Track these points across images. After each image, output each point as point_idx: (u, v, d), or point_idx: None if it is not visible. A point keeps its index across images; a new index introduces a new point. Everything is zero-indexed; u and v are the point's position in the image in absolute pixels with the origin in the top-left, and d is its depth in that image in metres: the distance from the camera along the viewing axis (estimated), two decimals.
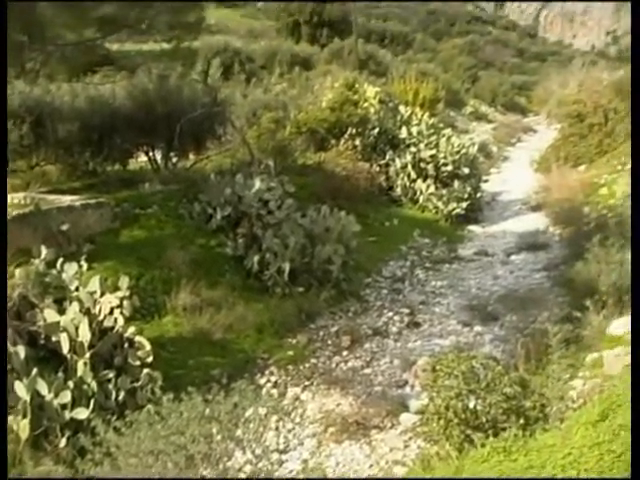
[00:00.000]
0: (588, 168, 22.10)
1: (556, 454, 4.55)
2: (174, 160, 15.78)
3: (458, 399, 6.35)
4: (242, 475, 5.76)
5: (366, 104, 20.62)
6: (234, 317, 10.71)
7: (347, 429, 8.24)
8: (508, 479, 4.76)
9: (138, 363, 8.20)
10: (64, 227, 10.75)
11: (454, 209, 18.56)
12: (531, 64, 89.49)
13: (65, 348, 7.81)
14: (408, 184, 19.34)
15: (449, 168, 19.42)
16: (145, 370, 8.04)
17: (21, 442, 6.74)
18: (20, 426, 6.80)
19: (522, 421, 6.14)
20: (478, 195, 20.01)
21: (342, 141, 18.99)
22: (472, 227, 18.84)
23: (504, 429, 5.94)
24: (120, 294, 8.60)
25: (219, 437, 5.73)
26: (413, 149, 19.60)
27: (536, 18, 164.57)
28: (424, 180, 19.27)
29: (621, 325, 9.12)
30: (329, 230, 13.03)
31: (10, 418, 6.79)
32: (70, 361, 7.76)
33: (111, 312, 8.40)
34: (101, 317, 8.33)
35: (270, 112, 18.23)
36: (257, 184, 13.44)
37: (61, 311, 8.24)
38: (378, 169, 19.34)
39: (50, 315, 8.10)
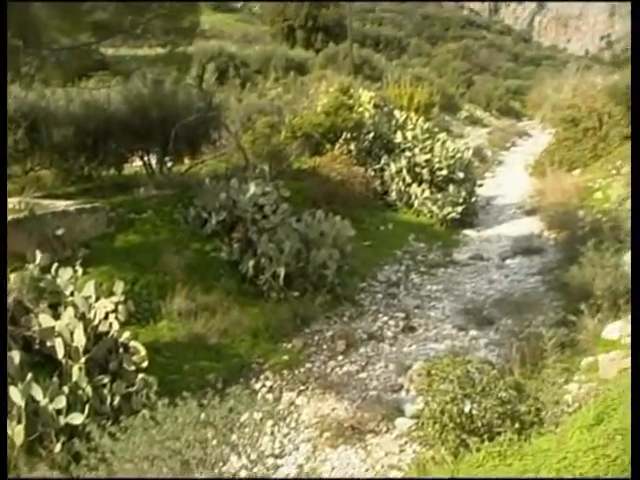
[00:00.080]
0: (583, 172, 22.16)
1: (551, 458, 4.55)
2: (169, 165, 15.77)
3: (453, 403, 6.36)
4: None
5: (361, 109, 20.65)
6: (229, 322, 10.70)
7: (342, 434, 8.23)
8: (503, 479, 4.77)
9: (133, 368, 8.19)
10: (59, 232, 10.74)
11: (449, 213, 18.58)
12: (525, 68, 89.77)
13: (60, 353, 7.80)
14: (403, 188, 19.35)
15: (444, 172, 19.44)
16: (140, 375, 8.03)
17: (16, 447, 6.72)
18: (15, 431, 6.78)
19: (517, 425, 6.14)
20: (473, 199, 20.00)
21: (337, 146, 19.00)
22: (467, 231, 18.85)
23: (499, 433, 5.95)
24: (115, 299, 8.60)
25: (214, 442, 5.72)
26: (408, 153, 19.61)
27: (530, 23, 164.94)
28: (419, 184, 19.28)
29: (616, 329, 9.14)
30: (324, 235, 13.03)
31: None
32: (65, 366, 7.75)
33: (106, 317, 8.39)
34: (96, 322, 8.32)
35: (265, 117, 18.23)
36: (252, 189, 13.44)
37: (56, 316, 8.23)
38: (373, 173, 19.36)
39: (45, 320, 8.09)
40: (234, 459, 5.81)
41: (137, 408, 7.25)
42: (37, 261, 9.12)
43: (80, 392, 7.49)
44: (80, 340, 7.86)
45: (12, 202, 10.96)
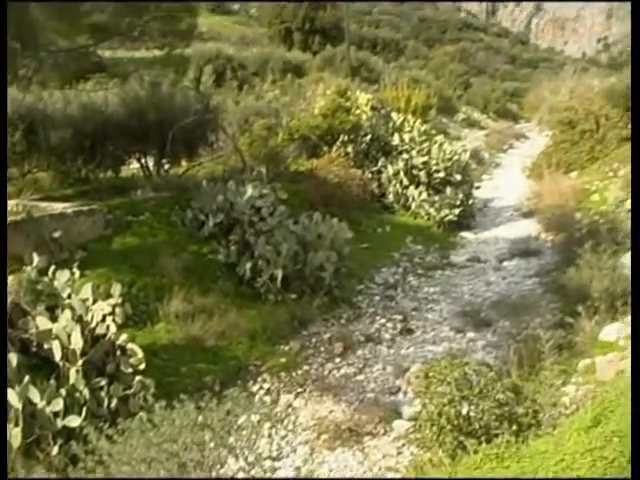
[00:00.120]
0: (580, 174, 22.17)
1: (548, 461, 4.55)
2: (166, 167, 15.77)
3: (451, 405, 6.36)
4: None
5: (358, 111, 20.64)
6: (226, 324, 10.70)
7: (340, 436, 8.23)
8: (502, 479, 4.77)
9: (130, 370, 8.19)
10: (56, 234, 10.74)
11: (446, 216, 18.58)
12: (523, 71, 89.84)
13: (57, 356, 7.79)
14: (400, 191, 19.36)
15: (441, 175, 19.45)
16: (137, 377, 8.03)
17: (13, 450, 6.71)
18: (12, 434, 6.77)
19: (515, 427, 6.14)
20: (470, 201, 20.02)
21: (334, 148, 19.01)
22: (464, 233, 18.86)
23: (497, 435, 5.95)
24: (112, 301, 8.60)
25: (212, 444, 5.72)
26: (405, 156, 19.63)
27: (528, 25, 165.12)
28: (416, 187, 19.29)
29: (613, 331, 9.15)
30: (321, 237, 13.04)
31: None
32: (62, 369, 7.74)
33: (103, 319, 8.39)
34: (93, 324, 8.32)
35: (262, 119, 18.23)
36: (249, 191, 13.44)
37: (53, 318, 8.23)
38: (370, 176, 19.36)
39: (42, 322, 8.09)
40: (231, 462, 5.80)
41: (134, 410, 7.24)
42: (34, 263, 9.12)
43: (77, 395, 7.49)
44: (77, 343, 7.86)
45: (10, 204, 10.95)
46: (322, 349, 10.94)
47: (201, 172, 16.25)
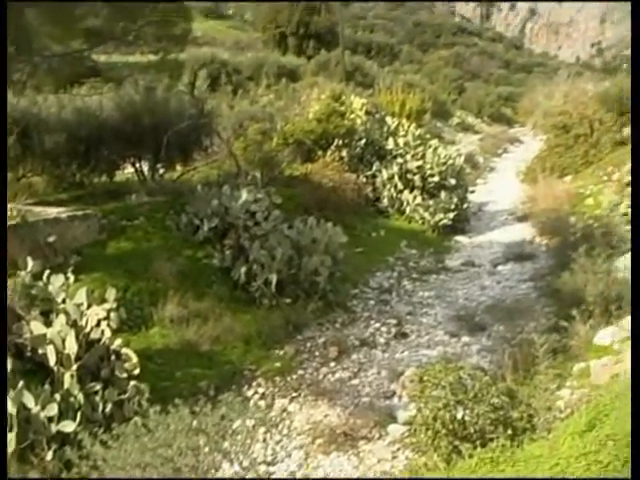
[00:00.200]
0: (574, 179, 22.21)
1: (543, 465, 4.56)
2: (161, 172, 15.76)
3: (446, 410, 6.36)
4: None
5: (353, 115, 20.68)
6: (221, 328, 10.69)
7: (335, 440, 8.23)
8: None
9: (125, 375, 8.17)
10: (51, 239, 10.73)
11: (441, 220, 18.60)
12: (517, 75, 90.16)
13: (52, 360, 7.78)
14: (395, 195, 19.37)
15: (436, 179, 19.47)
16: (132, 382, 8.02)
17: (7, 455, 6.69)
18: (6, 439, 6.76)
19: (510, 431, 6.15)
20: (465, 206, 20.04)
21: (329, 152, 19.01)
22: (459, 238, 18.87)
23: (492, 439, 5.95)
24: (107, 306, 8.59)
25: (206, 449, 5.72)
26: (400, 160, 19.64)
27: (522, 30, 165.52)
28: (411, 191, 19.30)
29: (608, 335, 9.16)
30: (316, 241, 13.04)
31: None
32: (57, 373, 7.73)
33: (98, 324, 8.38)
34: (88, 329, 8.30)
35: (257, 123, 18.23)
36: (244, 195, 13.44)
37: (48, 323, 8.22)
38: (365, 180, 19.38)
39: (37, 327, 8.07)
40: (226, 466, 5.80)
41: (129, 415, 7.24)
42: (29, 268, 9.11)
43: (72, 399, 7.47)
44: (72, 347, 7.85)
45: None
46: (317, 353, 10.94)
47: (196, 177, 16.24)
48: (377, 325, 12.09)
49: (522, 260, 15.66)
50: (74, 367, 7.72)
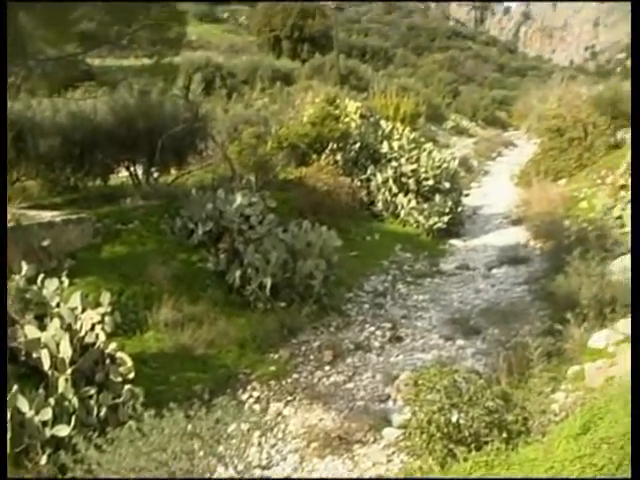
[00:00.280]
0: (568, 182, 22.27)
1: (538, 468, 4.57)
2: (155, 175, 15.74)
3: (440, 413, 6.36)
4: None
5: (347, 119, 20.68)
6: (216, 332, 10.68)
7: (330, 444, 8.22)
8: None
9: (120, 379, 8.16)
10: (45, 243, 10.72)
11: (435, 223, 18.61)
12: (511, 79, 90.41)
13: (46, 364, 7.77)
14: (389, 198, 19.38)
15: (430, 182, 19.47)
16: (127, 386, 8.01)
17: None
18: None
19: (504, 435, 6.15)
20: (459, 209, 20.06)
21: (323, 156, 19.01)
22: (453, 241, 18.89)
23: (487, 443, 5.96)
24: (101, 310, 8.57)
25: (201, 453, 5.71)
26: (394, 164, 19.64)
27: (516, 33, 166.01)
28: (405, 194, 19.31)
29: (602, 337, 9.18)
30: (310, 245, 13.04)
31: None
32: (51, 378, 7.71)
33: (92, 328, 8.37)
34: (82, 333, 8.29)
35: (251, 127, 18.24)
36: (238, 199, 13.44)
37: (42, 327, 8.20)
38: (359, 184, 19.38)
39: (31, 331, 8.06)
40: (221, 470, 5.80)
41: (123, 419, 7.23)
42: (23, 272, 9.09)
43: (66, 404, 7.46)
44: (66, 351, 7.83)
45: None
46: (311, 357, 10.93)
47: (190, 180, 16.23)
48: (372, 329, 12.08)
49: (516, 263, 15.67)
50: (68, 371, 7.70)
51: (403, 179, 19.45)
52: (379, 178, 19.48)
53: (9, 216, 10.77)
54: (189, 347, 10.24)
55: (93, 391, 7.78)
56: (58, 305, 8.60)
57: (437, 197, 19.14)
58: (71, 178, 14.88)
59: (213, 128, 17.12)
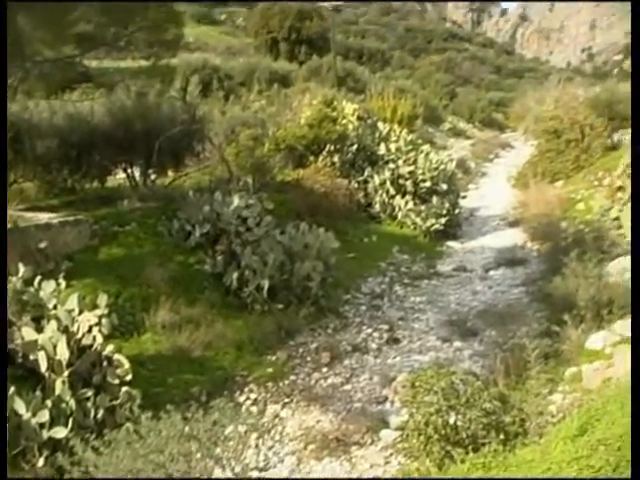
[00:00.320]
0: (565, 184, 22.29)
1: (535, 469, 4.57)
2: (152, 177, 15.73)
3: (438, 415, 6.36)
4: None
5: (344, 121, 20.70)
6: (213, 334, 10.67)
7: (327, 446, 8.21)
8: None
9: (117, 381, 8.15)
10: (42, 245, 10.71)
11: (433, 225, 18.61)
12: (508, 81, 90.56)
13: (43, 366, 7.76)
14: (387, 200, 19.38)
15: (427, 184, 19.48)
16: (124, 388, 8.00)
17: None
18: None
19: (502, 436, 6.15)
20: (456, 211, 20.07)
21: (321, 158, 19.01)
22: (451, 243, 18.89)
23: (484, 444, 5.96)
24: (99, 312, 8.56)
25: (198, 455, 5.71)
26: (391, 165, 19.65)
27: (513, 35, 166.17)
28: (403, 196, 19.31)
29: (599, 339, 9.19)
30: (308, 247, 13.03)
31: None
32: (48, 380, 7.70)
33: (89, 330, 8.36)
34: (79, 335, 8.28)
35: (248, 129, 18.23)
36: (236, 201, 13.43)
37: (39, 329, 8.19)
38: (357, 185, 19.38)
39: (28, 333, 8.05)
40: (218, 472, 5.79)
41: (121, 422, 7.22)
42: (20, 274, 9.08)
43: (63, 406, 7.45)
44: (63, 353, 7.83)
45: None
46: (309, 359, 10.93)
47: (187, 182, 16.23)
48: (369, 330, 12.08)
49: (514, 265, 15.68)
50: (65, 373, 7.70)
51: (400, 181, 19.45)
52: (376, 180, 19.49)
53: None
54: (186, 349, 10.23)
55: (90, 393, 7.77)
56: (55, 307, 8.59)
57: (434, 199, 19.14)
58: (68, 180, 14.87)
59: (210, 130, 17.11)
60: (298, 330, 11.79)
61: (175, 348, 10.18)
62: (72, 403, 7.48)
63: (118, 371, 8.25)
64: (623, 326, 9.17)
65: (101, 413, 7.62)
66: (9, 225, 10.46)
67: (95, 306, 8.68)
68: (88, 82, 16.05)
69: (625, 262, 11.81)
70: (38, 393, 7.37)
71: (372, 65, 56.24)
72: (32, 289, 8.89)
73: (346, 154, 19.76)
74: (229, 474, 5.76)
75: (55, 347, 7.89)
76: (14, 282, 8.93)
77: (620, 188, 15.82)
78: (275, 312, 11.84)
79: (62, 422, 7.22)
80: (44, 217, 11.70)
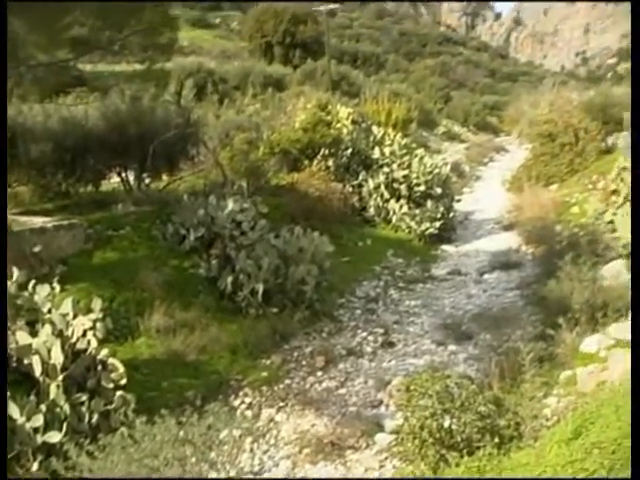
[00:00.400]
0: (559, 187, 22.32)
1: (530, 473, 4.57)
2: (147, 181, 15.72)
3: (433, 418, 6.36)
4: None
5: (339, 125, 20.70)
6: (208, 338, 10.66)
7: (322, 450, 8.21)
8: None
9: (111, 385, 8.14)
10: (36, 249, 10.69)
11: (427, 229, 18.62)
12: (502, 84, 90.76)
13: (37, 371, 7.74)
14: (381, 204, 19.39)
15: (422, 188, 19.49)
16: (118, 392, 7.98)
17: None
18: None
19: (497, 440, 6.16)
20: (451, 214, 20.08)
21: (315, 162, 19.01)
22: (445, 246, 18.90)
23: (479, 448, 5.96)
24: (93, 316, 8.55)
25: (193, 460, 5.70)
26: (386, 169, 19.66)
27: (507, 39, 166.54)
28: (397, 200, 19.32)
29: (594, 342, 9.20)
30: (302, 251, 13.03)
31: None
32: (42, 384, 7.69)
33: (84, 334, 8.34)
34: (74, 339, 8.27)
35: (243, 133, 18.23)
36: (230, 205, 13.43)
37: (33, 333, 8.18)
38: (351, 189, 19.39)
39: (22, 337, 8.03)
40: (213, 476, 5.78)
41: (115, 426, 7.21)
42: (14, 278, 9.06)
43: (58, 410, 7.43)
44: (58, 358, 7.81)
45: None
46: (304, 363, 10.92)
47: (182, 186, 16.21)
48: (364, 334, 12.08)
49: (508, 268, 15.69)
50: (60, 377, 7.68)
51: (395, 185, 19.46)
52: (371, 184, 19.50)
53: None
54: (181, 353, 10.22)
55: (85, 397, 7.76)
56: (49, 311, 8.58)
57: (429, 203, 19.16)
58: (62, 184, 14.86)
59: (205, 134, 17.10)
60: (293, 334, 11.79)
61: (170, 352, 10.16)
62: (66, 407, 7.46)
63: (112, 375, 8.23)
64: (618, 329, 9.19)
65: (95, 417, 7.61)
66: None
67: (89, 310, 8.67)
68: (82, 86, 16.03)
69: (619, 265, 11.84)
70: (32, 397, 7.36)
71: (366, 69, 56.33)
72: (26, 293, 8.87)
73: (340, 158, 19.77)
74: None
75: (49, 351, 7.87)
76: (8, 286, 8.91)
77: (614, 191, 15.83)
78: (270, 316, 11.84)
79: (56, 426, 7.21)
80: (38, 221, 11.68)
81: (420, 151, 21.51)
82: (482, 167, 36.54)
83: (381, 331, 12.15)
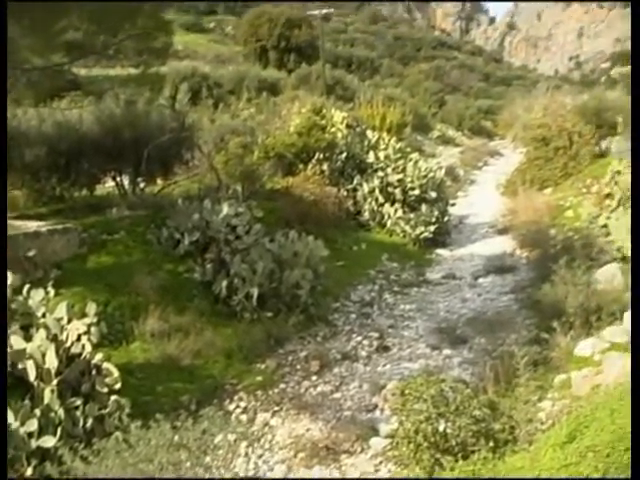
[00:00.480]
0: (554, 191, 22.35)
1: (525, 476, 4.57)
2: (141, 185, 15.70)
3: (427, 423, 6.37)
4: None
5: (333, 129, 20.70)
6: (202, 343, 10.65)
7: (317, 454, 8.20)
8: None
9: (106, 390, 8.12)
10: (31, 253, 10.68)
11: (422, 233, 18.63)
12: (496, 88, 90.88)
13: (32, 375, 7.73)
14: (376, 208, 19.39)
15: (416, 192, 19.50)
16: (113, 397, 7.97)
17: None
18: None
19: (491, 444, 6.16)
20: (445, 219, 20.10)
21: (310, 166, 19.00)
22: (440, 250, 18.90)
23: (473, 452, 5.96)
24: (87, 320, 8.53)
25: (188, 464, 5.70)
26: (380, 173, 19.67)
27: (501, 43, 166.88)
28: (392, 204, 19.32)
29: (588, 346, 9.21)
30: (297, 255, 13.03)
31: None
32: (37, 388, 7.67)
33: (78, 339, 8.33)
34: (68, 344, 8.25)
35: (238, 137, 18.23)
36: (225, 209, 13.42)
37: (28, 338, 8.16)
38: (346, 193, 19.38)
39: (16, 342, 8.01)
40: None
41: (110, 430, 7.20)
42: (9, 282, 9.04)
43: (52, 415, 7.41)
44: (52, 362, 7.80)
45: None
46: (298, 367, 10.91)
47: (177, 190, 16.20)
48: (359, 338, 12.07)
49: (503, 272, 15.70)
50: (54, 382, 7.67)
51: (389, 189, 19.47)
52: (365, 188, 19.51)
53: None
54: (175, 357, 10.21)
55: (79, 402, 7.74)
56: (44, 315, 8.56)
57: (423, 207, 19.17)
58: (57, 188, 14.83)
59: (199, 138, 17.10)
60: (287, 338, 11.78)
61: (164, 356, 10.15)
62: (61, 412, 7.45)
63: (107, 380, 8.22)
64: (612, 333, 9.21)
65: (90, 422, 7.59)
66: None
67: (84, 314, 8.65)
68: (77, 90, 16.03)
69: (614, 269, 11.86)
70: (27, 402, 7.34)
71: (361, 73, 56.38)
72: (21, 297, 8.85)
73: (335, 162, 19.77)
74: None
75: (44, 356, 7.86)
76: None
77: (608, 195, 15.86)
78: (264, 320, 11.83)
79: (51, 431, 7.19)
80: (33, 225, 11.67)
81: (414, 155, 21.51)
82: (476, 171, 36.56)
83: (376, 335, 12.14)
